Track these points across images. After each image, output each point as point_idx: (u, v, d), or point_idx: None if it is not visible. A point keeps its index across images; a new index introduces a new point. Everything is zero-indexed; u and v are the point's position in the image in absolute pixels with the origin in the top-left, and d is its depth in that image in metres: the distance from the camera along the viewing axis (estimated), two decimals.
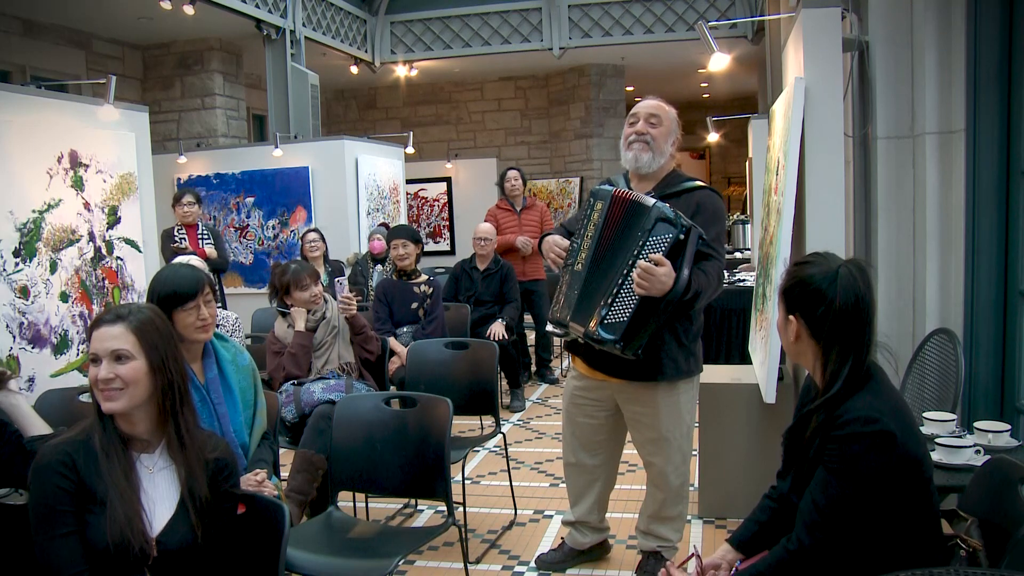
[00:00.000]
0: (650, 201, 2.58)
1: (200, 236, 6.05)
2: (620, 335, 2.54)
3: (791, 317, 1.85)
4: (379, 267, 6.28)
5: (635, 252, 2.53)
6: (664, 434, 2.86)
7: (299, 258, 5.63)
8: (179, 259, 3.64)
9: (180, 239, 5.90)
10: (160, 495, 1.81)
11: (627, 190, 2.70)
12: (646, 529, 3.05)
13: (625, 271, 2.54)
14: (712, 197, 2.80)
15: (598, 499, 3.12)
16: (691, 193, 2.79)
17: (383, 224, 7.04)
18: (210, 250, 5.91)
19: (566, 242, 2.79)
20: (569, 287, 2.69)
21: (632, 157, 2.81)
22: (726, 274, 6.59)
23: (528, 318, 6.61)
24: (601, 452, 3.05)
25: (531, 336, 7.02)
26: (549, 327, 2.85)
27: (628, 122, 2.86)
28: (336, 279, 3.82)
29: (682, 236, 2.52)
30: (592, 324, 2.57)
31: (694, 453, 4.45)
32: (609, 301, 2.55)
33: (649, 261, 2.47)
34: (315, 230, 6.26)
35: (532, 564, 3.28)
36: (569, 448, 3.09)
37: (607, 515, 3.25)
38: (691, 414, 2.94)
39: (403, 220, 8.09)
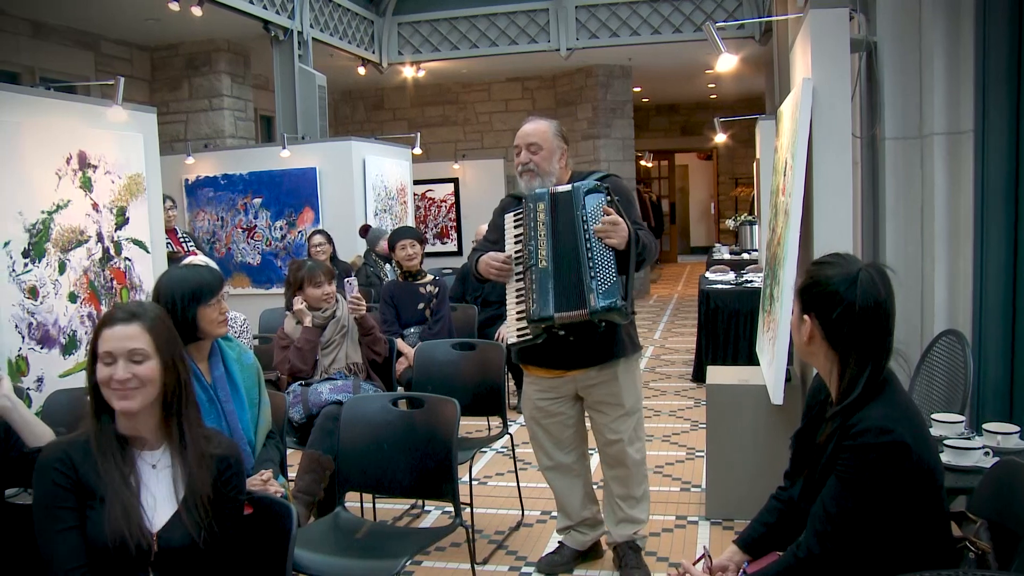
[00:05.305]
0: (568, 186, 2.90)
1: (182, 239, 6.02)
2: (618, 295, 2.76)
3: (805, 317, 1.82)
4: (387, 266, 6.25)
5: (583, 227, 2.80)
6: (628, 408, 3.05)
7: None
8: (189, 259, 3.64)
9: (168, 243, 5.91)
10: (163, 492, 1.82)
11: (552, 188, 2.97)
12: (619, 517, 3.11)
13: (587, 245, 2.79)
14: (620, 180, 3.10)
15: (585, 492, 3.21)
16: (602, 182, 2.99)
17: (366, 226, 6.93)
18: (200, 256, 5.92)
19: (501, 254, 2.96)
20: (540, 284, 2.82)
21: (525, 186, 3.02)
22: (728, 275, 6.64)
23: None
24: (572, 447, 3.18)
25: None
26: (515, 338, 2.90)
27: (515, 151, 3.07)
28: (346, 279, 3.81)
29: (608, 197, 2.85)
30: (592, 301, 2.75)
31: (700, 454, 4.46)
32: (593, 274, 2.77)
33: (601, 221, 2.77)
34: (320, 231, 6.24)
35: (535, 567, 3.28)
36: (543, 453, 3.19)
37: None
38: (641, 389, 3.18)
39: (410, 221, 8.08)
